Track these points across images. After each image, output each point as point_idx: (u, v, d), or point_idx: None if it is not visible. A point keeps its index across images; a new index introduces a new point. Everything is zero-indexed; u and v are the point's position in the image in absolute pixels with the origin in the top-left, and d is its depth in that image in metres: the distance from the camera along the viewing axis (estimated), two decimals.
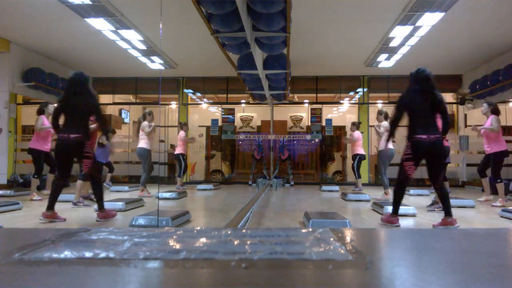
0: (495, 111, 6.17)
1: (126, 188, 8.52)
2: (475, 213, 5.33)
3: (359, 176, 8.53)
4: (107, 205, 5.18)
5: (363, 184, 9.16)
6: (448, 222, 3.93)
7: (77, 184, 5.66)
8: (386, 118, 6.75)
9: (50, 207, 4.17)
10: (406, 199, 7.01)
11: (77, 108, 4.23)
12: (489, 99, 9.89)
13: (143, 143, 7.21)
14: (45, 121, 6.39)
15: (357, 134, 8.51)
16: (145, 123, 7.27)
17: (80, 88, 4.30)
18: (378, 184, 11.28)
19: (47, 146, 6.54)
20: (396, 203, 4.11)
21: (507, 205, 5.62)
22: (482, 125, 6.29)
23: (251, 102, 11.70)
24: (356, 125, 8.64)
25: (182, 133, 9.00)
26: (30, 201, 6.09)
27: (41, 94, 9.54)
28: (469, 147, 10.07)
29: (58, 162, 4.29)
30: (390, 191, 6.73)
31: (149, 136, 7.24)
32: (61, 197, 6.14)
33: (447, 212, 3.98)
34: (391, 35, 7.95)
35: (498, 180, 5.98)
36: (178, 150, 8.91)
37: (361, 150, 8.50)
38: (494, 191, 6.39)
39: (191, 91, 12.49)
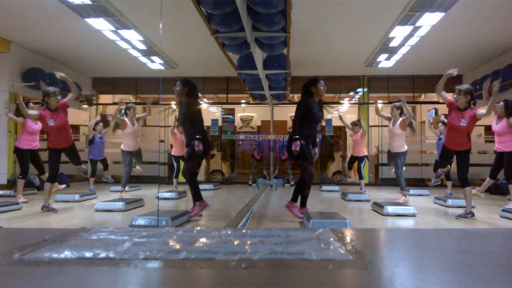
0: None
1: (126, 188, 8.48)
2: (475, 213, 5.33)
3: (363, 177, 8.09)
4: (107, 205, 5.20)
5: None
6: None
7: (45, 186, 5.16)
8: (401, 114, 6.32)
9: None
10: None
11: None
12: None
13: (122, 145, 6.52)
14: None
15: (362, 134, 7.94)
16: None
17: None
18: (378, 184, 11.30)
19: (34, 144, 6.28)
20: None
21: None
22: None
23: (251, 102, 11.70)
24: (358, 125, 7.95)
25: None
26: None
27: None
28: None
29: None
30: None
31: (126, 134, 6.36)
32: (62, 197, 6.20)
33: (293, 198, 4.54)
34: (391, 35, 7.95)
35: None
36: (172, 151, 8.22)
37: (365, 151, 8.08)
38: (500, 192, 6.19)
39: None
